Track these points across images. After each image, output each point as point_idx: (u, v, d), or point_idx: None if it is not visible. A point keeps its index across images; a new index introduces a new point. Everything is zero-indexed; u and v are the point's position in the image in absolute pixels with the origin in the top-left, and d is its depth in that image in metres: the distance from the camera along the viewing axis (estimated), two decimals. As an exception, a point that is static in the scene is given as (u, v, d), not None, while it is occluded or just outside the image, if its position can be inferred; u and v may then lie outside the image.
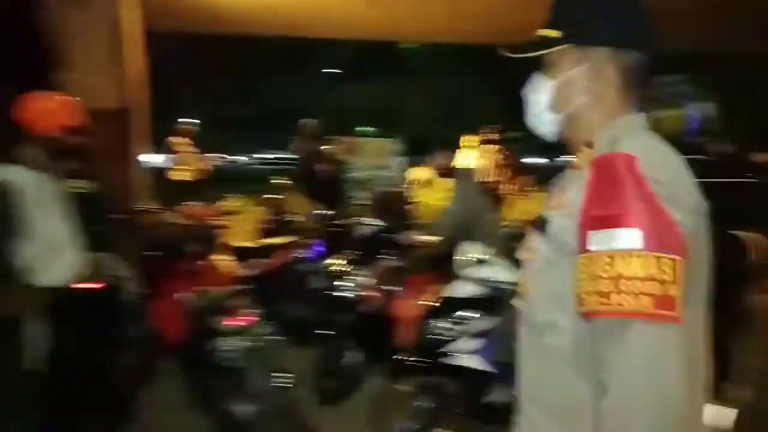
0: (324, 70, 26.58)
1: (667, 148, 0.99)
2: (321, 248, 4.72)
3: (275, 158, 28.16)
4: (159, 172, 9.32)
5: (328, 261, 3.91)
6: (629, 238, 0.86)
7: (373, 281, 3.66)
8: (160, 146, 9.11)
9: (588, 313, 0.90)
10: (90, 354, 2.68)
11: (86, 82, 6.01)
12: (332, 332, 3.55)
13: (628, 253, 0.86)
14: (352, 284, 3.62)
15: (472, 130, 5.74)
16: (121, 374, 2.92)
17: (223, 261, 4.78)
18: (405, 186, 7.44)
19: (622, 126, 1.03)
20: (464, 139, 5.45)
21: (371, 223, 4.16)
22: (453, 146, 5.14)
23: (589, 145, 1.04)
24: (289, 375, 2.96)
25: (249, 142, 30.72)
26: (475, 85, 24.64)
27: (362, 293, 3.60)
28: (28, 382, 2.43)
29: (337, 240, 4.46)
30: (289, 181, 7.01)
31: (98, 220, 2.77)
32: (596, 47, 1.04)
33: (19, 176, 2.45)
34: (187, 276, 3.49)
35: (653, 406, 0.85)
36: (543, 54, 1.09)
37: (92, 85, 5.62)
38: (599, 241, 0.88)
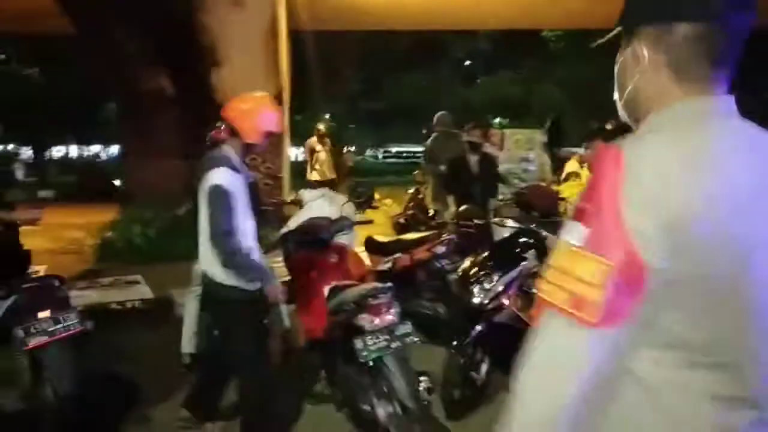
0: (464, 62, 26.38)
1: (688, 148, 0.89)
2: (457, 247, 4.56)
3: (409, 152, 28.42)
4: (299, 166, 9.67)
5: (463, 263, 3.70)
6: (577, 233, 0.87)
7: (508, 288, 3.38)
8: (297, 140, 9.44)
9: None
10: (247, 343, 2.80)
11: (242, 77, 6.38)
12: (463, 340, 3.33)
13: (570, 248, 0.87)
14: (486, 290, 3.36)
15: (611, 119, 5.32)
16: (266, 364, 2.98)
17: (362, 255, 4.82)
18: (553, 180, 7.02)
19: (664, 116, 0.96)
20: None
21: (510, 224, 3.88)
22: (602, 136, 4.73)
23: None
24: (428, 377, 2.85)
25: (383, 138, 31.31)
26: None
27: (496, 300, 3.34)
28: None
29: (473, 240, 4.26)
30: (428, 175, 6.93)
31: (255, 212, 2.85)
32: (642, 26, 0.98)
33: (227, 178, 2.62)
34: (330, 269, 3.52)
35: (532, 399, 0.89)
36: (604, 41, 1.08)
37: (247, 80, 5.94)
38: (565, 230, 0.90)
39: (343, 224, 3.68)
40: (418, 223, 6.06)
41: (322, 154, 9.23)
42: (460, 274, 3.57)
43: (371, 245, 5.16)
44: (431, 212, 6.36)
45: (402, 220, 6.42)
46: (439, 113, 7.32)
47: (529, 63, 23.92)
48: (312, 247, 3.61)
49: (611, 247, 0.84)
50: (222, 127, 2.98)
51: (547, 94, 22.48)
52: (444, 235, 4.77)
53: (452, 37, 21.86)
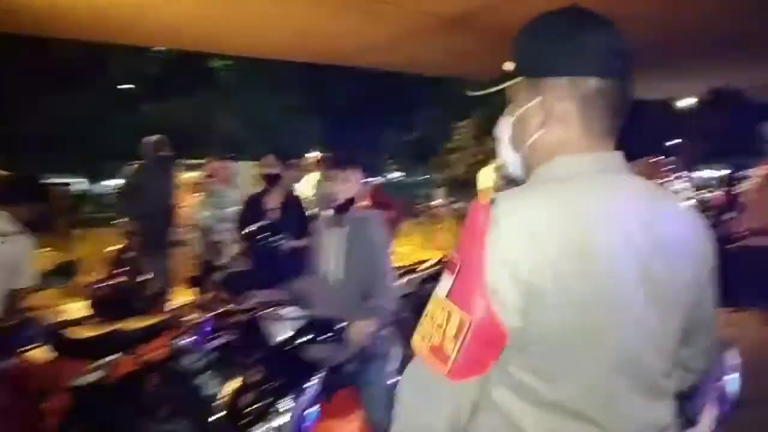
0: (121, 86, 23.19)
1: (560, 207, 0.89)
2: (212, 334, 3.30)
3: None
4: None
5: (230, 383, 2.56)
6: (445, 284, 0.92)
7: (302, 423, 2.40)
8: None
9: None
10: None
11: None
12: None
13: (438, 296, 0.92)
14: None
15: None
16: None
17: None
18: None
19: (552, 169, 0.97)
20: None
21: (292, 314, 2.83)
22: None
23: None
24: None
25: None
26: (293, 105, 23.85)
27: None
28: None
29: (240, 326, 3.11)
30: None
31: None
32: (547, 78, 0.98)
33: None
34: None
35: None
36: (500, 89, 1.05)
37: None
38: (440, 280, 0.94)
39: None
40: (127, 299, 4.43)
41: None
42: (228, 404, 2.38)
43: (66, 345, 3.42)
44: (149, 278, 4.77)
45: (105, 292, 4.64)
46: (148, 138, 5.82)
47: (200, 91, 22.68)
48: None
49: (472, 302, 0.86)
50: None
51: (222, 124, 21.73)
52: (189, 316, 3.39)
53: (115, 54, 19.13)
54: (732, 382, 2.71)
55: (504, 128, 1.06)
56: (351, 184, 2.74)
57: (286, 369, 2.41)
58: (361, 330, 2.41)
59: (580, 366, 0.90)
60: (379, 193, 6.67)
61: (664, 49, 6.06)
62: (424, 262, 4.55)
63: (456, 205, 16.51)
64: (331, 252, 2.75)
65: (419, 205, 15.42)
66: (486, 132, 12.50)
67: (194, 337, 3.19)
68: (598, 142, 0.98)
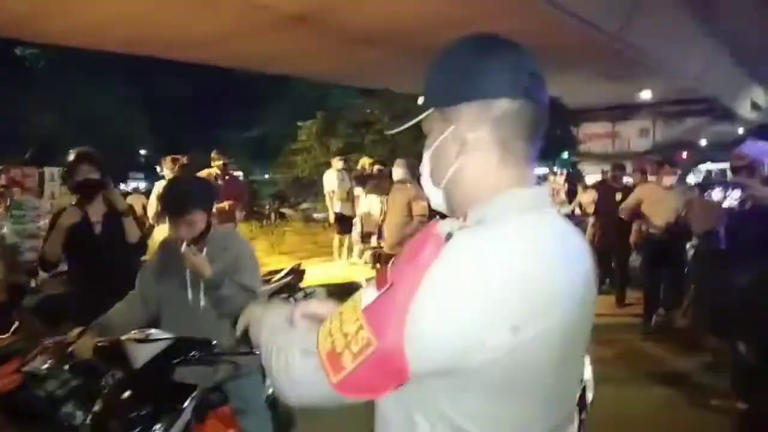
0: None
1: (520, 243, 0.87)
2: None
3: None
4: None
5: (93, 405, 2.14)
6: (368, 296, 0.88)
7: None
8: None
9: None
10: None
11: None
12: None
13: (355, 305, 0.88)
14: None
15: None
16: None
17: None
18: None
19: (496, 205, 0.92)
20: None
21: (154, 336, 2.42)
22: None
23: (465, 216, 0.94)
24: None
25: None
26: (117, 101, 21.81)
27: None
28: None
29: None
30: None
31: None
32: (457, 105, 0.94)
33: None
34: None
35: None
36: (412, 124, 1.02)
37: None
38: (369, 283, 0.93)
39: None
40: None
41: None
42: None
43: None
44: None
45: None
46: None
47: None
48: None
49: (385, 328, 0.81)
50: None
51: (28, 123, 19.00)
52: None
53: None
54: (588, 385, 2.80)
55: (425, 163, 1.02)
56: (197, 225, 2.41)
57: (155, 393, 2.09)
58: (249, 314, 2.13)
59: (522, 410, 0.90)
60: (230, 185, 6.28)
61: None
62: (275, 272, 4.18)
63: (302, 206, 16.24)
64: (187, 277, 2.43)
65: (264, 207, 14.86)
66: (330, 133, 12.39)
67: (50, 360, 2.56)
68: (517, 168, 0.95)
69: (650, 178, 6.39)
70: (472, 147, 0.94)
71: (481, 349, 0.82)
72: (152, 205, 5.90)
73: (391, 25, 8.52)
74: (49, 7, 7.20)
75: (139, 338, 2.12)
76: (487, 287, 0.81)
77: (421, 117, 0.99)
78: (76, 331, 2.24)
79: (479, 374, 0.84)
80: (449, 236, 0.86)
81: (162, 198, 2.54)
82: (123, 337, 2.15)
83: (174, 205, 2.41)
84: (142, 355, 2.10)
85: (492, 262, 0.83)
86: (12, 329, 3.94)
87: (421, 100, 1.00)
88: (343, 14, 7.93)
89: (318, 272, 6.15)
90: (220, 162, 6.44)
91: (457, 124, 0.94)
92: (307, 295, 4.78)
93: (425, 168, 1.02)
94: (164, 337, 2.14)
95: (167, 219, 2.43)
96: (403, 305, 0.81)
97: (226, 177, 6.36)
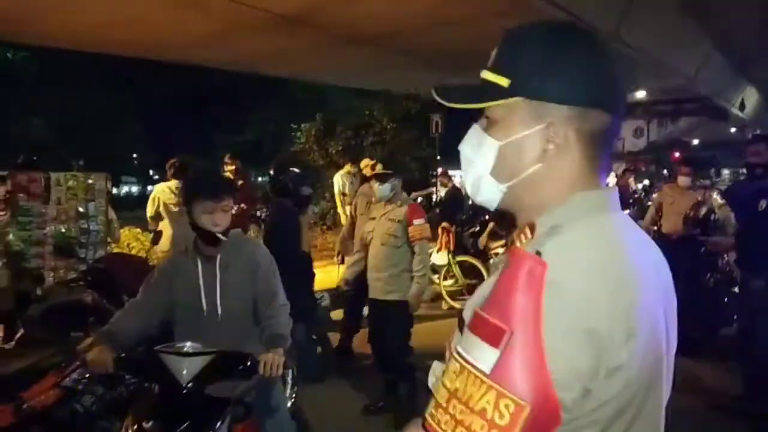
0: None
1: (612, 245, 0.81)
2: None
3: None
4: None
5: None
6: (484, 355, 0.73)
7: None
8: None
9: (424, 417, 0.78)
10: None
11: None
12: None
13: (474, 372, 0.73)
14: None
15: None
16: None
17: None
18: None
19: (572, 208, 0.85)
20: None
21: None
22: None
23: (532, 227, 0.83)
24: None
25: None
26: (112, 105, 21.65)
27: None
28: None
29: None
30: None
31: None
32: (554, 104, 0.85)
33: None
34: None
35: None
36: (487, 106, 0.89)
37: None
38: (466, 343, 0.76)
39: None
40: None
41: None
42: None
43: None
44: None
45: None
46: None
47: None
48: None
49: (526, 382, 0.71)
50: None
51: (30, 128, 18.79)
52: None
53: None
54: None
55: (483, 152, 0.89)
56: (229, 216, 2.35)
57: (193, 408, 2.04)
58: (273, 362, 2.09)
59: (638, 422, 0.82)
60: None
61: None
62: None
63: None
64: (201, 284, 2.35)
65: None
66: (329, 135, 12.27)
67: (87, 375, 2.47)
68: (597, 182, 0.90)
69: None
70: (559, 152, 0.85)
71: (612, 345, 0.75)
72: (151, 206, 5.87)
73: (389, 25, 8.46)
74: (41, 10, 7.07)
75: (179, 351, 2.07)
76: (603, 288, 0.76)
77: (500, 102, 0.86)
78: (88, 341, 2.17)
79: (603, 399, 0.76)
80: (538, 254, 0.76)
81: (196, 184, 2.40)
82: (159, 350, 2.09)
83: (213, 188, 2.31)
84: (187, 369, 2.06)
85: (594, 265, 0.77)
86: (17, 338, 3.83)
87: (499, 79, 0.87)
88: (340, 15, 7.87)
89: (321, 276, 6.06)
90: (233, 167, 6.39)
91: (549, 124, 0.85)
92: (318, 300, 4.74)
93: (484, 159, 0.90)
94: (207, 350, 2.10)
95: (200, 207, 2.30)
96: (536, 346, 0.71)
97: (240, 182, 6.33)
